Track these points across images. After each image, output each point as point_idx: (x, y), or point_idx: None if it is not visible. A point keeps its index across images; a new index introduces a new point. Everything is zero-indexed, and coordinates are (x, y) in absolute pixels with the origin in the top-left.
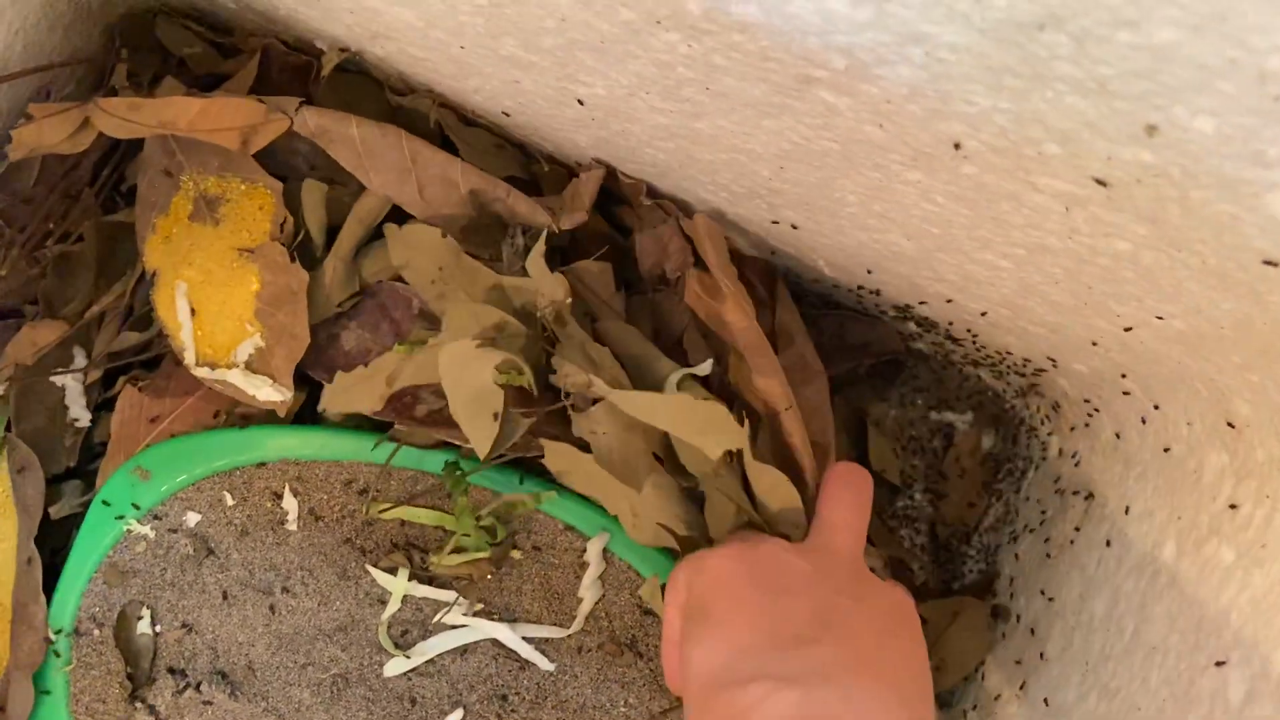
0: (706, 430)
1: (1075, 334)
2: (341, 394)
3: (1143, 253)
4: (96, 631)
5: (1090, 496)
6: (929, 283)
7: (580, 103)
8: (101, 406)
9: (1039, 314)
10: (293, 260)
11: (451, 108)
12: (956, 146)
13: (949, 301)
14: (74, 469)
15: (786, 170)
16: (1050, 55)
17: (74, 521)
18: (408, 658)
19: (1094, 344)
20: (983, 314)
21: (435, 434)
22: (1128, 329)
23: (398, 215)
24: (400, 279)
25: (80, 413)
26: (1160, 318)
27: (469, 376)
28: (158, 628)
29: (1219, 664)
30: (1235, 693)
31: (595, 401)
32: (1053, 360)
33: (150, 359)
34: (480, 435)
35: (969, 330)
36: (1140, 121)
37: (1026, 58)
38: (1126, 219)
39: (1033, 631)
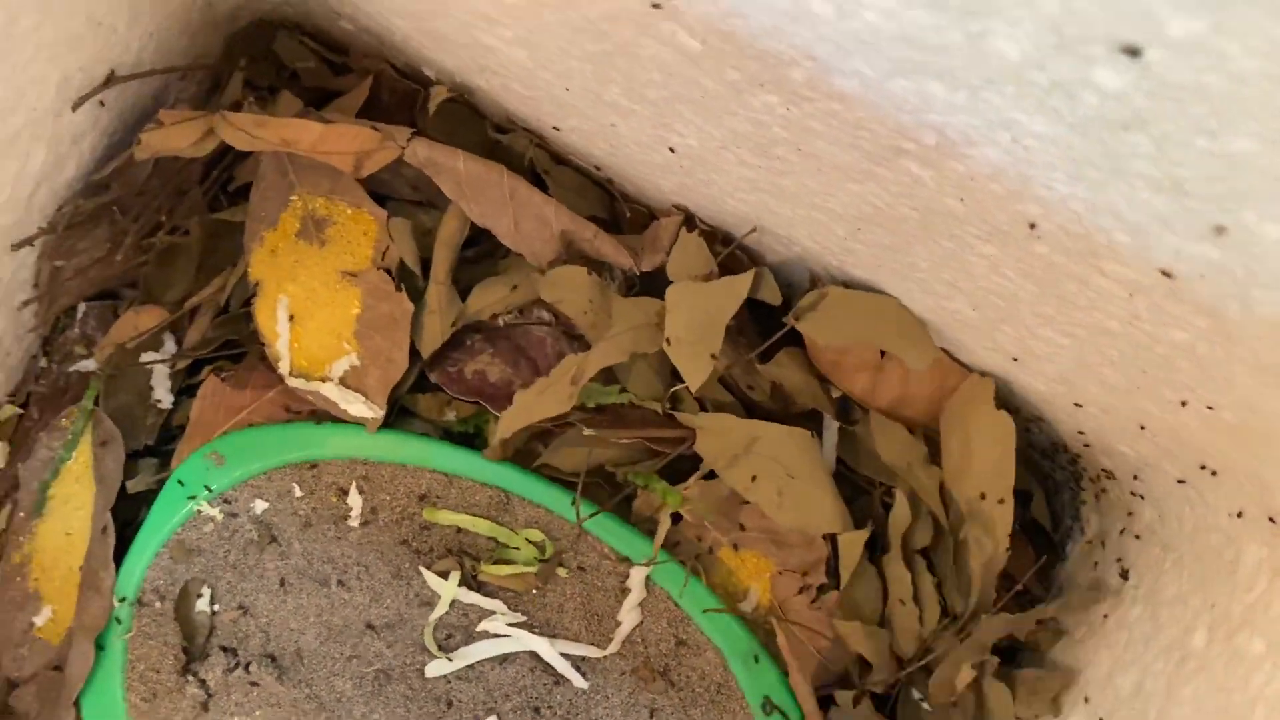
0: None
1: (1125, 415)
2: (524, 411)
3: (1199, 344)
4: (158, 604)
5: (1125, 575)
6: (988, 353)
7: (671, 150)
8: (184, 392)
9: (1092, 393)
10: (398, 289)
11: (545, 146)
12: (1032, 227)
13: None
14: (152, 448)
15: (863, 232)
16: (1131, 153)
17: (147, 498)
18: (449, 660)
19: (1142, 427)
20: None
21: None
22: (1177, 416)
23: (475, 239)
24: (519, 313)
25: (164, 395)
26: (1210, 408)
27: (699, 307)
28: (216, 607)
29: None
30: None
31: None
32: (1100, 439)
33: (236, 355)
34: (694, 368)
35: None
36: (1210, 221)
37: (1108, 153)
38: (1187, 311)
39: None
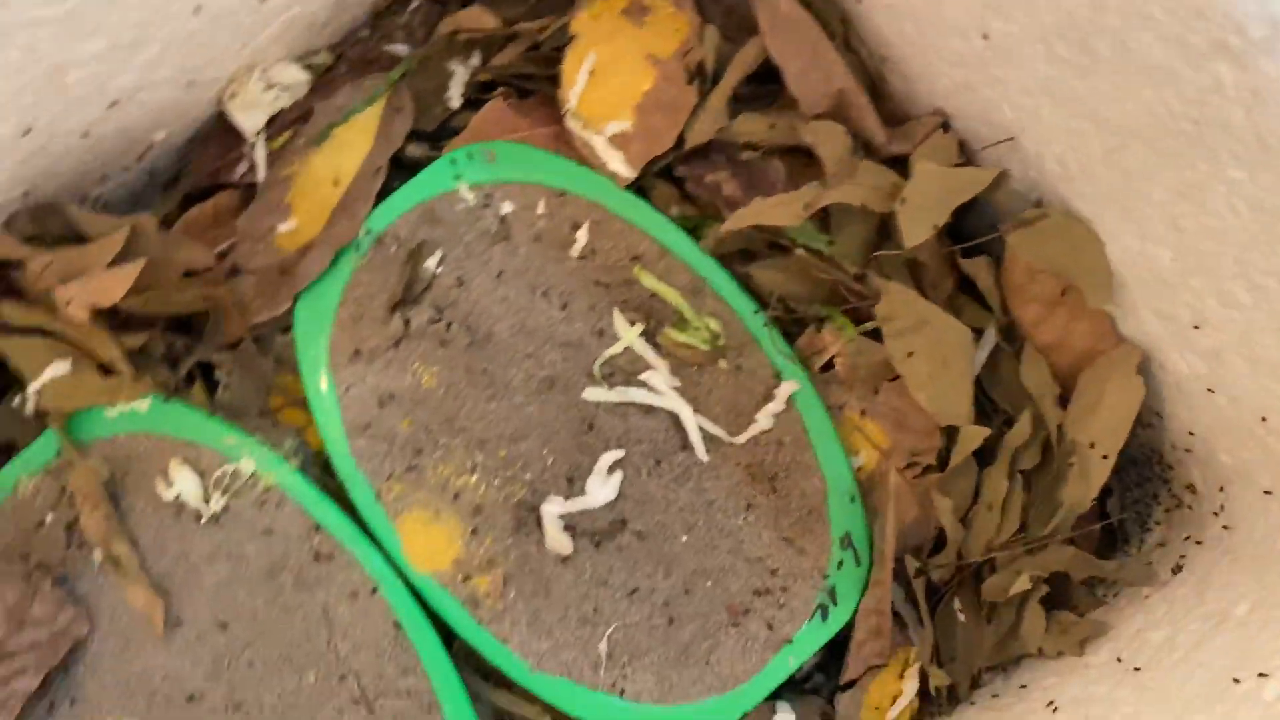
0: None
1: (1253, 405)
2: (755, 212)
3: None
4: (395, 247)
5: (1178, 570)
6: (1155, 321)
7: (985, 37)
8: (470, 104)
9: (1236, 373)
10: (689, 84)
11: (847, 19)
12: None
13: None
14: (430, 134)
15: (1121, 151)
16: None
17: (415, 171)
18: (607, 390)
19: (1264, 419)
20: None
21: None
22: None
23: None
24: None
25: (455, 97)
26: None
27: (938, 183)
28: (440, 269)
29: None
30: None
31: None
32: (1207, 443)
33: (523, 90)
34: (917, 230)
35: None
36: None
37: None
38: None
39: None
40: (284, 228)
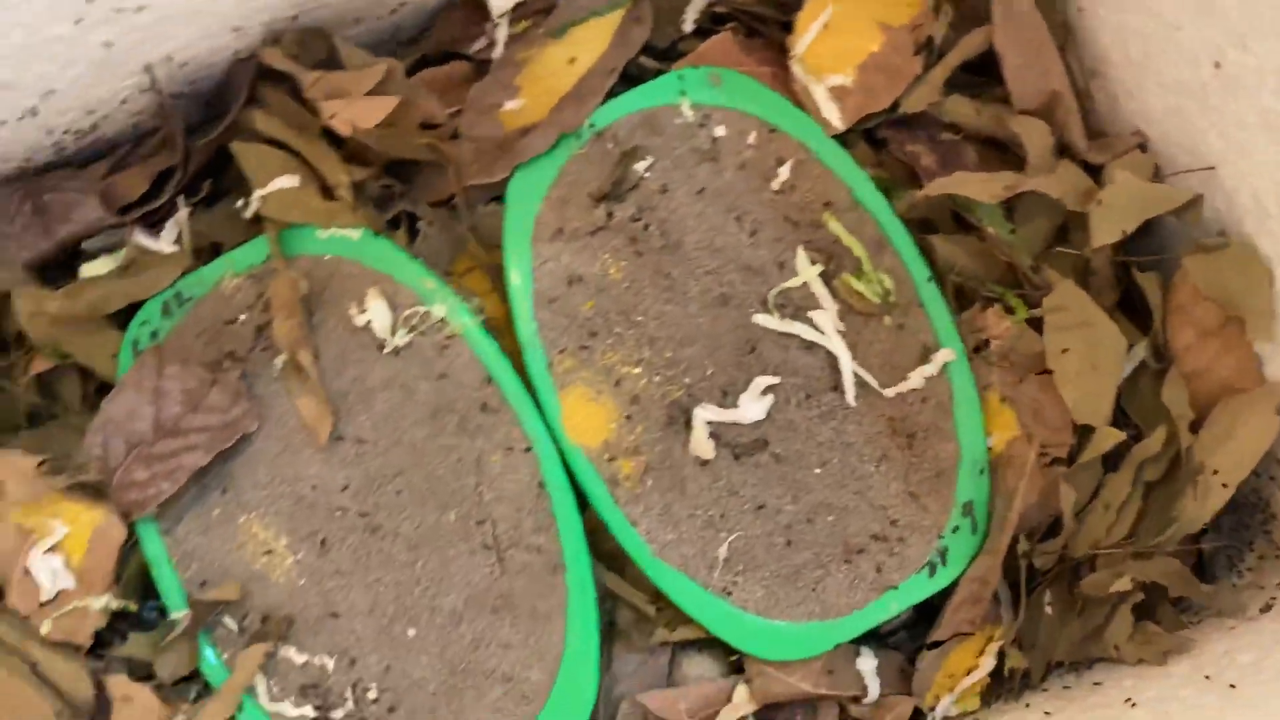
0: None
1: None
2: (954, 182)
3: None
4: (611, 145)
5: (1268, 609)
6: None
7: (1216, 66)
8: (699, 32)
9: None
10: (915, 55)
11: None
12: None
13: None
14: (658, 51)
15: None
16: None
17: (636, 81)
18: (777, 319)
19: None
20: None
21: None
22: None
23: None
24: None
25: (689, 21)
26: None
27: (1132, 194)
28: (648, 174)
29: None
30: None
31: None
32: None
33: (755, 29)
34: (1105, 232)
35: None
36: None
37: None
38: None
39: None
40: (510, 105)
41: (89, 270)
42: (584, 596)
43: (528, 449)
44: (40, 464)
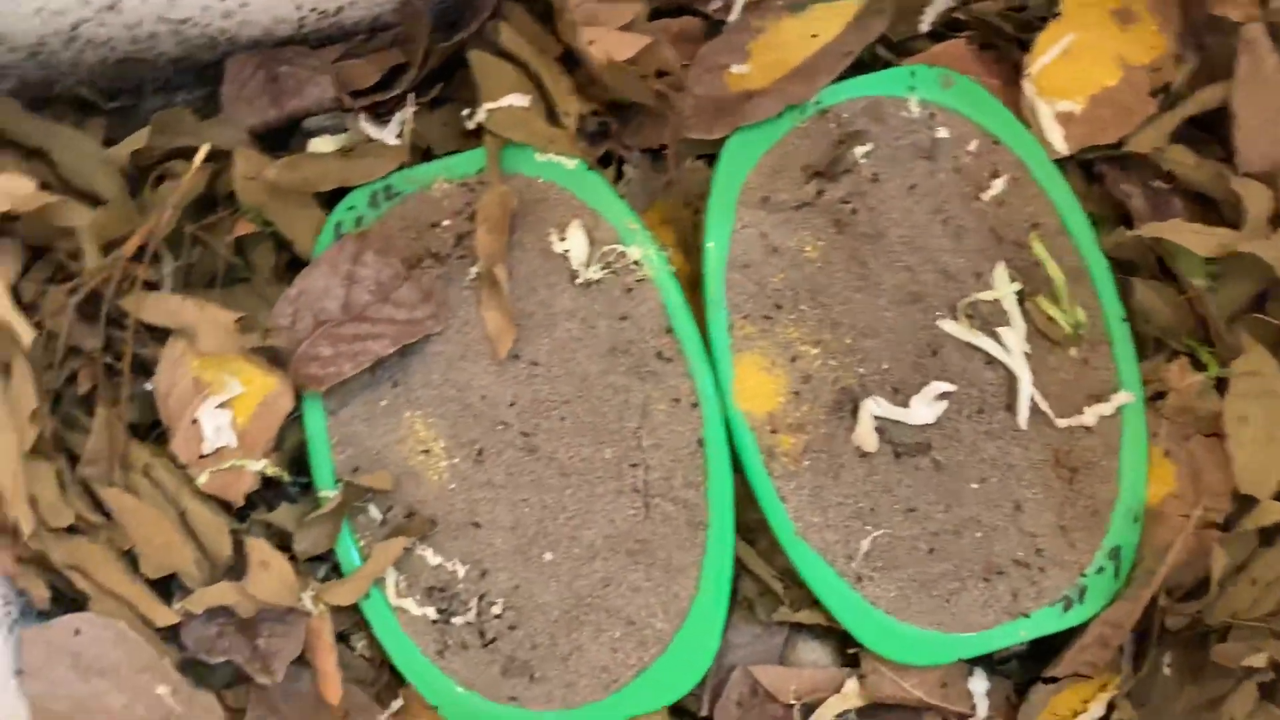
0: None
1: None
2: (1171, 230)
3: None
4: (833, 124)
5: None
6: None
7: None
8: (932, 35)
9: None
10: (1150, 96)
11: None
12: None
13: None
14: (891, 44)
15: None
16: None
17: (863, 69)
18: (964, 329)
19: None
20: None
21: None
22: None
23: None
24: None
25: (926, 22)
26: None
27: None
28: (864, 161)
29: None
30: None
31: None
32: None
33: (989, 42)
34: None
35: None
36: None
37: None
38: None
39: None
40: (737, 69)
41: (317, 146)
42: (721, 557)
43: (694, 404)
44: (237, 320)
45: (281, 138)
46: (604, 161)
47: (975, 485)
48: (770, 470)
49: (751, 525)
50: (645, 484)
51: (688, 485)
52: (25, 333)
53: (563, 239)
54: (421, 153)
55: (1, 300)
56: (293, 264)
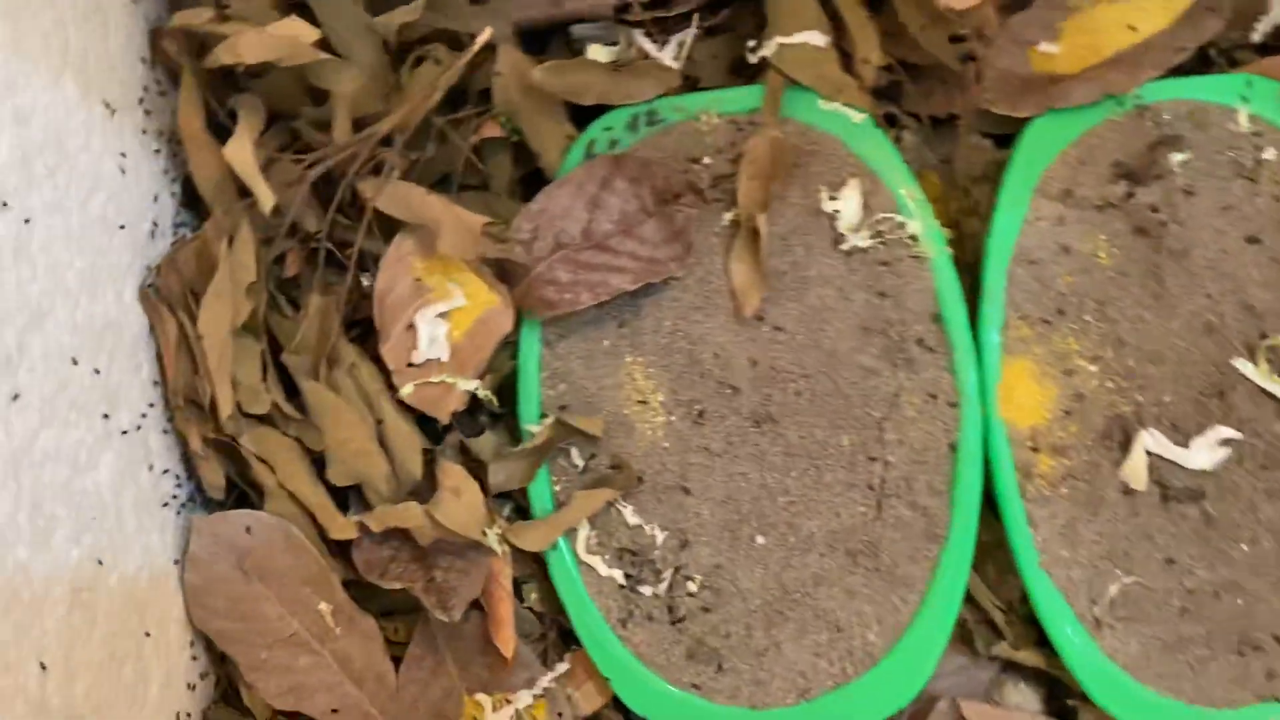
0: None
1: None
2: None
3: None
4: (1151, 124)
5: None
6: None
7: None
8: (1259, 48)
9: None
10: None
11: None
12: None
13: None
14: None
15: None
16: None
17: (1182, 72)
18: (1263, 375)
19: None
20: None
21: None
22: None
23: None
24: None
25: (1258, 33)
26: None
27: None
28: (1179, 170)
29: None
30: None
31: None
32: None
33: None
34: None
35: None
36: None
37: None
38: None
39: None
40: (1044, 47)
41: (594, 53)
42: (955, 578)
43: (952, 403)
44: (485, 224)
45: (540, 41)
46: (890, 124)
47: (1245, 546)
48: (1024, 491)
49: (984, 546)
50: (882, 481)
51: (930, 491)
52: (266, 198)
53: (834, 198)
54: (691, 83)
55: (247, 159)
56: (528, 179)
